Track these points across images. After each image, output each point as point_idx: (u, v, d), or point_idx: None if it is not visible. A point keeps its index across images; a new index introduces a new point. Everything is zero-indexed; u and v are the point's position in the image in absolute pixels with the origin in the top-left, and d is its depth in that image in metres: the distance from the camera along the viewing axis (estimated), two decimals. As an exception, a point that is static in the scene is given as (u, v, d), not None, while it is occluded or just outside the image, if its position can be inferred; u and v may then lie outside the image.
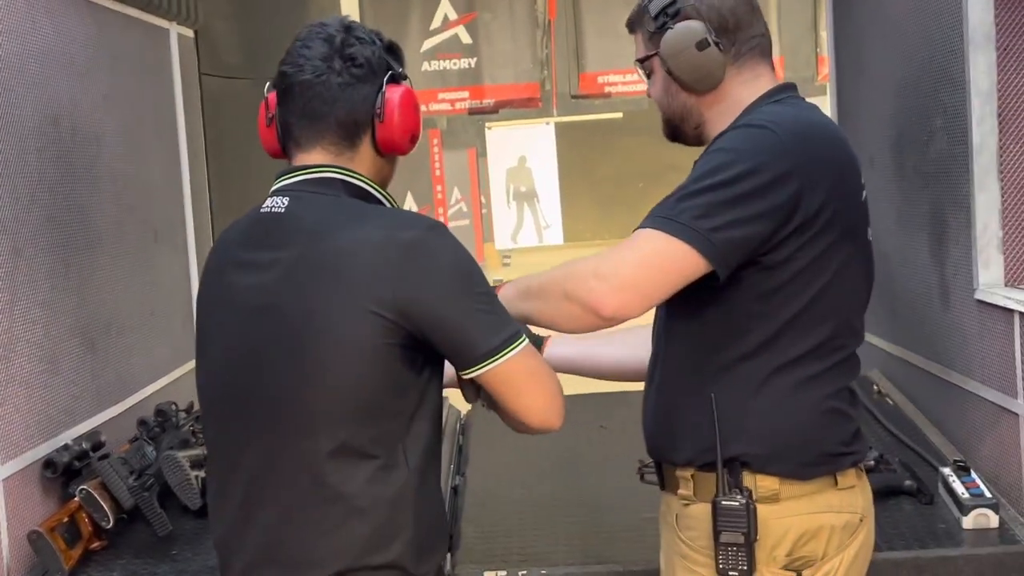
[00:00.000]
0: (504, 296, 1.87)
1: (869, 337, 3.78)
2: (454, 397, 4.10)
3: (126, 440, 3.04)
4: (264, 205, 1.78)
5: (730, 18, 1.86)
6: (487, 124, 10.63)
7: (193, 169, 4.08)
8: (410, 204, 10.48)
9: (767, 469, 1.78)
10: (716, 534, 1.76)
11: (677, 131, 1.97)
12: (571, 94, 9.70)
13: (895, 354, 3.50)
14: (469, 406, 3.78)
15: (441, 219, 10.99)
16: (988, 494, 2.61)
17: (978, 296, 2.75)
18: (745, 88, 1.88)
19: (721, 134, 1.84)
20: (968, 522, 2.57)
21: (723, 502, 1.76)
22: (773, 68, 1.94)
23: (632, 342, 2.11)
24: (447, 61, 9.68)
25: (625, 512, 2.74)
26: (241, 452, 1.75)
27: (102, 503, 2.64)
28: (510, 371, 1.68)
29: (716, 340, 1.81)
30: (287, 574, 1.71)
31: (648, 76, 1.97)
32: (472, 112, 9.80)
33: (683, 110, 1.93)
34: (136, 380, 3.38)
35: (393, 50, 1.84)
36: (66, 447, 2.79)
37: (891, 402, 3.42)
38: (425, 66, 9.65)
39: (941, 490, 2.73)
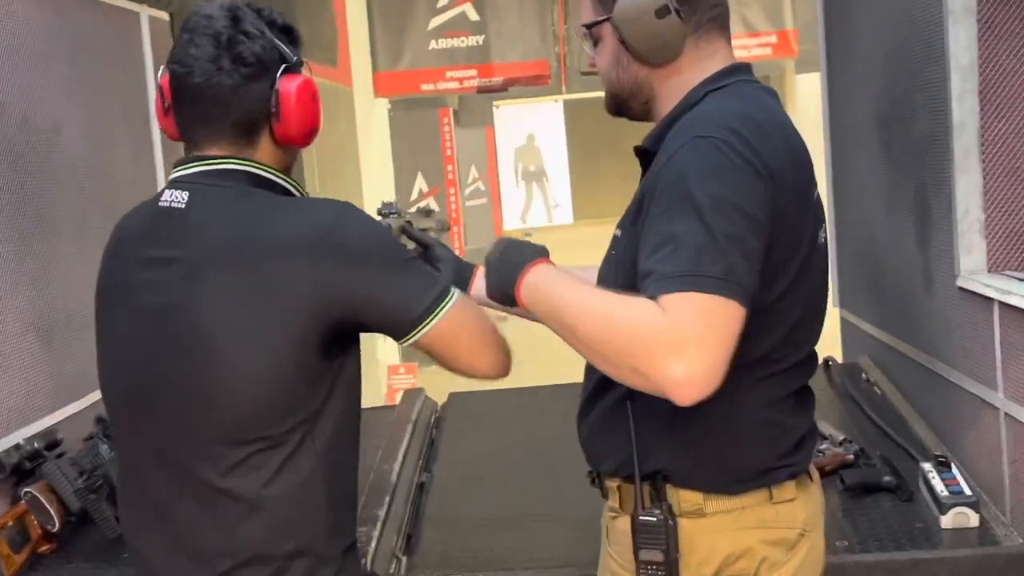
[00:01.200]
0: (535, 295, 1.62)
1: (859, 322, 3.66)
2: (431, 388, 4.01)
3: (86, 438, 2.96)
4: (163, 199, 1.72)
5: None
6: (494, 103, 10.48)
7: (167, 157, 3.98)
8: (420, 185, 10.36)
9: (689, 483, 1.65)
10: (635, 551, 1.64)
11: (623, 106, 1.79)
12: (580, 71, 9.53)
13: (884, 341, 3.37)
14: (445, 398, 3.71)
15: (454, 200, 10.87)
16: (968, 492, 2.49)
17: (959, 283, 2.61)
18: (700, 64, 1.71)
19: (671, 151, 1.60)
20: (947, 521, 2.45)
21: (640, 517, 1.64)
22: (730, 43, 1.76)
23: None
24: (455, 39, 9.56)
25: (595, 512, 2.64)
26: (144, 453, 1.73)
27: (48, 506, 2.56)
28: (443, 331, 1.67)
29: None
30: (195, 565, 1.69)
31: (595, 44, 1.78)
32: (481, 90, 9.68)
33: (633, 83, 1.75)
34: (101, 374, 3.29)
35: (287, 32, 1.77)
36: (17, 447, 2.70)
37: (879, 391, 3.30)
38: (432, 44, 9.55)
39: (921, 486, 2.61)
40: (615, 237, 1.71)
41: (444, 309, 1.67)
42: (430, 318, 1.66)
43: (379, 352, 8.39)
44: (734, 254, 1.48)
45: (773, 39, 9.96)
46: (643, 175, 1.70)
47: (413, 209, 2.24)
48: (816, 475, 1.80)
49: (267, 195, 1.71)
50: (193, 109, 1.71)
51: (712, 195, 1.51)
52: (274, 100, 1.70)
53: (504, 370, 1.74)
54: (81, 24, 3.33)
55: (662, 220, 1.53)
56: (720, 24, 1.74)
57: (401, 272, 1.68)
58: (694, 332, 1.44)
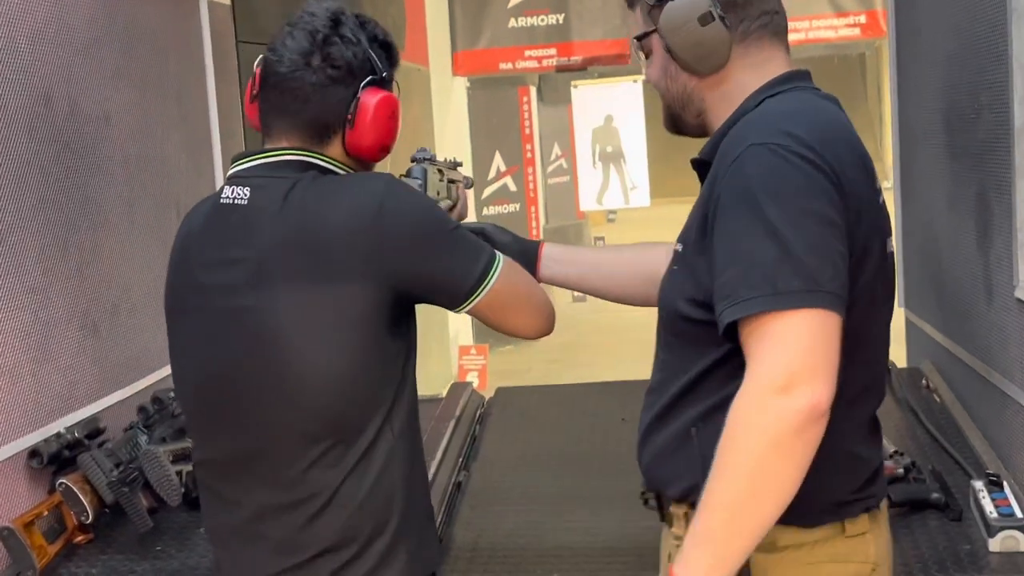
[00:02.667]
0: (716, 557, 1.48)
1: (922, 324, 3.53)
2: (500, 369, 3.98)
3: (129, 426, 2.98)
4: (224, 195, 1.74)
5: None
6: (572, 82, 10.35)
7: (226, 143, 3.98)
8: (498, 163, 10.29)
9: None
10: None
11: (678, 120, 1.77)
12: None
13: (945, 345, 3.24)
14: (493, 392, 3.66)
15: (531, 178, 10.79)
16: (1020, 514, 2.36)
17: (1017, 294, 2.49)
18: (751, 73, 1.67)
19: (728, 161, 1.55)
20: (995, 544, 2.33)
21: None
22: (787, 52, 1.72)
23: (627, 271, 2.05)
24: (535, 17, 9.47)
25: (630, 520, 2.56)
26: (223, 451, 1.76)
27: (81, 497, 2.57)
28: (493, 298, 1.74)
29: (714, 372, 1.59)
30: (276, 556, 1.72)
31: (647, 56, 1.77)
32: (559, 69, 9.58)
33: (683, 94, 1.72)
34: (149, 361, 3.30)
35: (386, 48, 1.79)
36: (58, 435, 2.73)
37: (938, 399, 3.17)
38: (512, 23, 9.47)
39: (972, 506, 2.49)
40: (676, 252, 1.68)
41: (493, 277, 1.73)
42: (480, 287, 1.72)
43: (451, 331, 8.40)
44: (815, 262, 1.45)
45: (862, 19, 9.70)
46: (702, 188, 1.66)
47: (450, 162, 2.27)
48: (885, 507, 1.73)
49: (315, 178, 1.71)
50: (274, 98, 1.73)
51: (779, 204, 1.47)
52: (352, 108, 1.72)
53: (547, 330, 1.83)
54: (134, 10, 3.32)
55: (731, 238, 1.51)
56: (773, 31, 1.70)
57: (450, 245, 1.72)
58: (792, 358, 1.42)
